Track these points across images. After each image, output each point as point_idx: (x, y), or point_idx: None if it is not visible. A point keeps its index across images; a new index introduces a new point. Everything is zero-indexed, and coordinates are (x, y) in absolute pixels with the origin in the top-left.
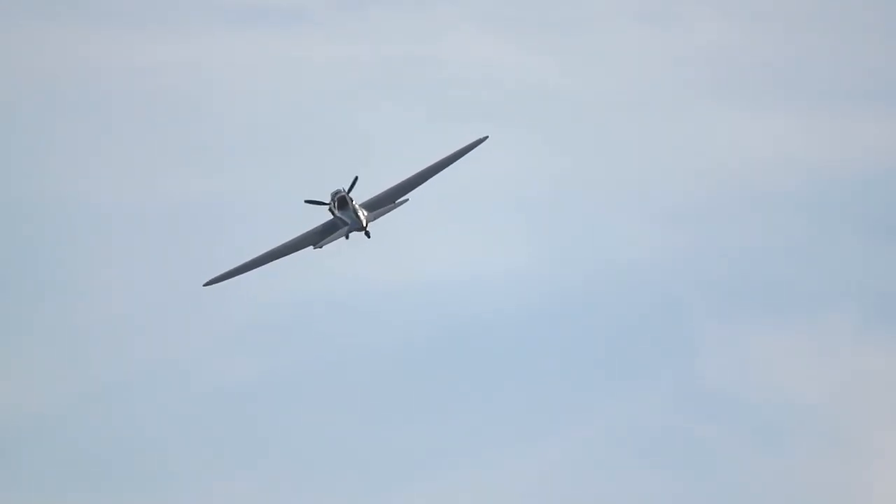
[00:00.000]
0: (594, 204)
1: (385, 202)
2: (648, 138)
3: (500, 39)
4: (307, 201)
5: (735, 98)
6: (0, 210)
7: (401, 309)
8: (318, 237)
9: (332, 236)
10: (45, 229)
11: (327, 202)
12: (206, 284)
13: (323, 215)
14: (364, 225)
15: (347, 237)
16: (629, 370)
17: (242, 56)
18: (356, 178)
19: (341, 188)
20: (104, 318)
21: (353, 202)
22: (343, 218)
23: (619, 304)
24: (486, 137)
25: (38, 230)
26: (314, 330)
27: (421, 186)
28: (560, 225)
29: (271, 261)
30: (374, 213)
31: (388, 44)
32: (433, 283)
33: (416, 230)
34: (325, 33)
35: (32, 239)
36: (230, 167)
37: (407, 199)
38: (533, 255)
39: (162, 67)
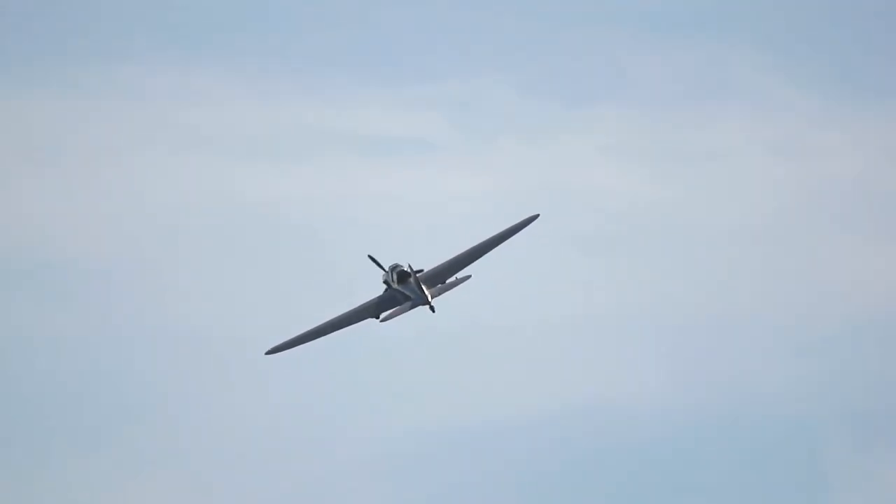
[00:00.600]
0: (723, 333)
1: (440, 278)
2: (780, 269)
3: (628, 169)
4: (370, 257)
5: (866, 230)
6: (133, 339)
7: (532, 438)
8: (374, 310)
9: (397, 309)
10: (175, 361)
11: (385, 269)
12: (267, 353)
13: (377, 289)
14: (429, 299)
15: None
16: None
17: (368, 187)
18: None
19: (400, 263)
20: None
21: (414, 277)
22: (403, 291)
23: (749, 436)
24: (538, 216)
25: (171, 367)
26: (436, 465)
27: (545, 315)
28: (690, 353)
29: (333, 331)
30: (438, 288)
31: (518, 175)
32: (560, 410)
33: (545, 356)
34: (454, 164)
35: (166, 375)
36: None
37: (470, 276)
38: (666, 383)
39: (288, 199)
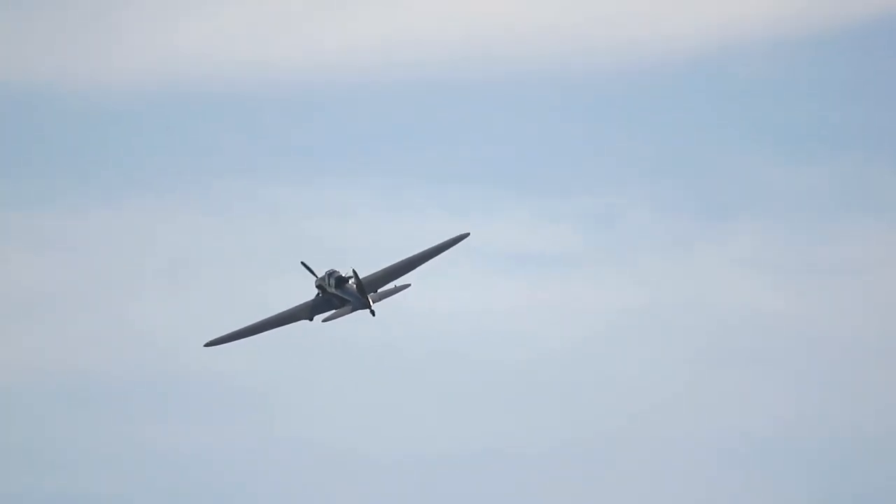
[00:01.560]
0: (848, 452)
1: (374, 285)
2: None
3: (764, 282)
4: (303, 263)
5: None
6: None
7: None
8: (309, 312)
9: (338, 311)
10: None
11: (319, 275)
12: (206, 345)
13: (310, 291)
14: (370, 304)
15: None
16: None
17: (505, 301)
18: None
19: (337, 269)
20: None
21: (357, 282)
22: (341, 296)
23: None
24: (468, 234)
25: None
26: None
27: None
28: (825, 473)
29: (267, 329)
30: (378, 293)
31: (652, 290)
32: None
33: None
34: (589, 278)
35: None
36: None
37: (409, 285)
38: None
39: (428, 315)
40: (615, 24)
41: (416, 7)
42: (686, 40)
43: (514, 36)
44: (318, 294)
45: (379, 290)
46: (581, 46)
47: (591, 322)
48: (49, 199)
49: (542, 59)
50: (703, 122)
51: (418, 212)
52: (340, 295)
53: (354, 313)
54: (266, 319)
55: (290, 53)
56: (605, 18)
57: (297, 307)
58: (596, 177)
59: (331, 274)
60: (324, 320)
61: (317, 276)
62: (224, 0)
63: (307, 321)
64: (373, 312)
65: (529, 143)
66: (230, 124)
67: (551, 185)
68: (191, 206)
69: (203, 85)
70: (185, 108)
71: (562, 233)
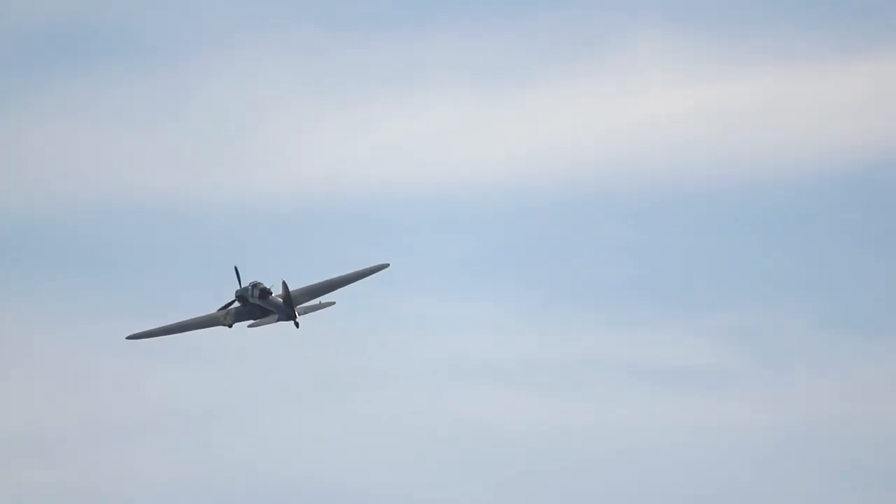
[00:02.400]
0: None
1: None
2: None
3: None
4: (235, 269)
5: None
6: None
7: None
8: (231, 318)
9: (264, 320)
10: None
11: (243, 285)
12: (128, 337)
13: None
14: (296, 316)
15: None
16: None
17: (659, 417)
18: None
19: (261, 281)
20: None
21: (286, 293)
22: (263, 306)
23: None
24: (388, 265)
25: None
26: None
27: None
28: None
29: (188, 330)
30: (304, 307)
31: (811, 405)
32: None
33: None
34: (747, 394)
35: None
36: None
37: (334, 303)
38: None
39: (569, 431)
40: (761, 137)
41: (552, 122)
42: (840, 153)
43: (659, 150)
44: (238, 303)
45: (303, 304)
46: (729, 159)
47: (749, 436)
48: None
49: (693, 172)
50: (858, 235)
51: (564, 324)
52: (263, 305)
53: (279, 323)
54: (187, 321)
55: (442, 170)
56: (749, 130)
57: (217, 312)
58: (752, 289)
59: (255, 285)
60: (249, 325)
61: (240, 286)
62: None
63: (227, 327)
64: (297, 324)
65: (678, 257)
66: (381, 241)
67: (700, 298)
68: None
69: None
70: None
71: (719, 347)
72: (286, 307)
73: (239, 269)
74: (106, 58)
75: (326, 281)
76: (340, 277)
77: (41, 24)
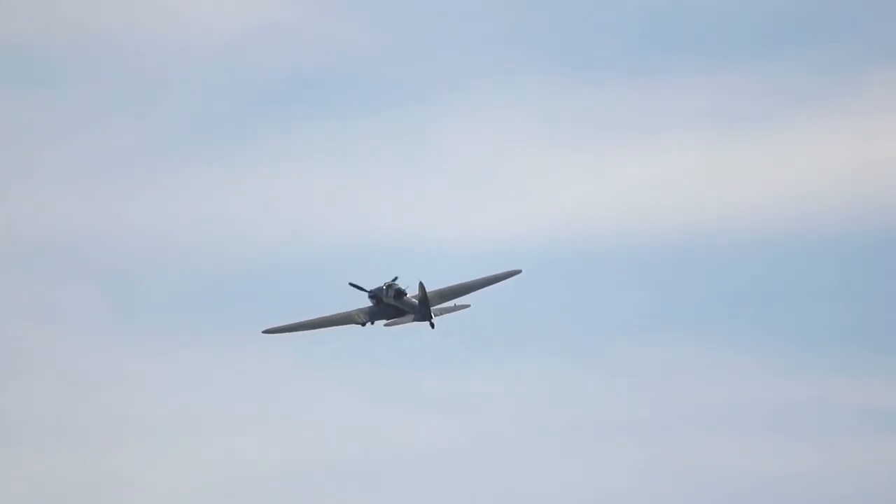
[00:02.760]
0: None
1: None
2: None
3: None
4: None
5: None
6: None
7: None
8: (366, 317)
9: (401, 319)
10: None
11: (368, 290)
12: (265, 332)
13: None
14: (432, 317)
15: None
16: None
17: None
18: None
19: (395, 283)
20: None
21: (423, 294)
22: (398, 306)
23: None
24: (520, 271)
25: None
26: None
27: None
28: None
29: (323, 327)
30: (439, 308)
31: None
32: None
33: None
34: None
35: None
36: None
37: (469, 306)
38: None
39: None
40: None
41: (799, 162)
42: None
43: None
44: (374, 303)
45: (439, 306)
46: None
47: None
48: None
49: None
50: None
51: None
52: (397, 305)
53: (414, 323)
54: (322, 318)
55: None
56: None
57: (353, 311)
58: None
59: (390, 286)
60: (386, 325)
61: (371, 289)
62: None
63: (360, 326)
64: (433, 325)
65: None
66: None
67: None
68: None
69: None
70: None
71: None
72: (422, 307)
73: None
74: (345, 102)
75: (458, 284)
76: (473, 281)
77: (288, 73)
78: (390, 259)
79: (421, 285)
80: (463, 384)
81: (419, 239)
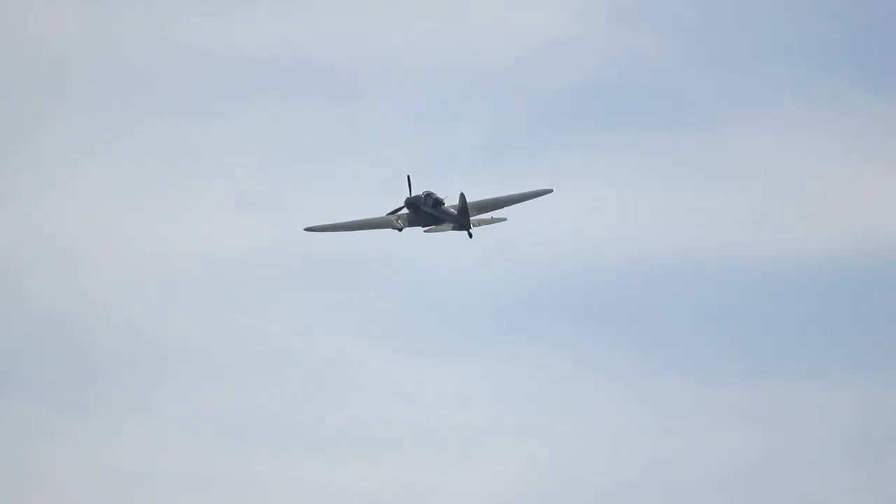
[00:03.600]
0: None
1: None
2: None
3: None
4: (408, 178)
5: None
6: None
7: None
8: (403, 223)
9: (439, 227)
10: None
11: (416, 194)
12: (306, 229)
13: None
14: (470, 226)
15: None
16: None
17: None
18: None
19: (433, 192)
20: None
21: (463, 204)
22: (436, 214)
23: None
24: (551, 190)
25: None
26: None
27: None
28: None
29: (362, 229)
30: (477, 219)
31: None
32: None
33: None
34: None
35: None
36: None
37: (505, 219)
38: None
39: None
40: None
41: None
42: None
43: None
44: (408, 210)
45: (476, 217)
46: None
47: None
48: None
49: None
50: None
51: None
52: (435, 214)
53: (452, 232)
54: (361, 220)
55: None
56: None
57: (391, 216)
58: None
59: (428, 195)
60: (426, 231)
61: (409, 197)
62: None
63: (397, 231)
64: (470, 234)
65: None
66: None
67: None
68: None
69: None
70: None
71: None
72: (461, 216)
73: (411, 179)
74: (639, 114)
75: (492, 199)
76: (505, 197)
77: (577, 87)
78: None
79: (462, 196)
80: None
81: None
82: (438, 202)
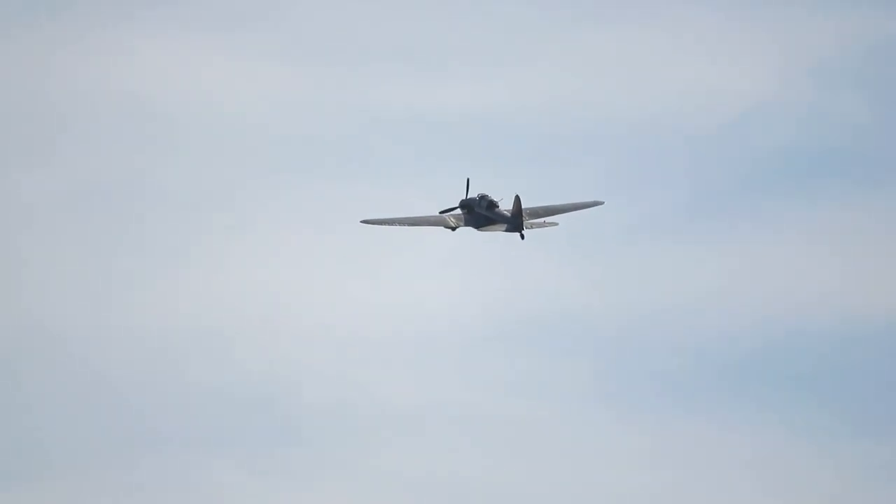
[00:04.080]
0: None
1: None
2: None
3: None
4: (467, 180)
5: None
6: None
7: None
8: (456, 222)
9: (494, 227)
10: None
11: (472, 197)
12: (362, 222)
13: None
14: (523, 228)
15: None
16: None
17: None
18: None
19: (488, 195)
20: None
21: (518, 207)
22: (490, 216)
23: None
24: (602, 202)
25: None
26: None
27: None
28: None
29: (416, 225)
30: (529, 222)
31: None
32: None
33: None
34: None
35: None
36: None
37: (557, 224)
38: None
39: None
40: None
41: None
42: None
43: None
44: (465, 212)
45: (529, 220)
46: None
47: None
48: None
49: None
50: None
51: None
52: (488, 215)
53: (506, 233)
54: (416, 217)
55: None
56: None
57: (445, 214)
58: None
59: (483, 197)
60: (481, 229)
61: (464, 198)
62: None
63: (450, 230)
64: (522, 236)
65: None
66: None
67: None
68: None
69: None
70: None
71: None
72: (515, 219)
73: (469, 182)
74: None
75: (544, 206)
76: (557, 206)
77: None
78: None
79: (517, 198)
80: None
81: None
82: (492, 204)
